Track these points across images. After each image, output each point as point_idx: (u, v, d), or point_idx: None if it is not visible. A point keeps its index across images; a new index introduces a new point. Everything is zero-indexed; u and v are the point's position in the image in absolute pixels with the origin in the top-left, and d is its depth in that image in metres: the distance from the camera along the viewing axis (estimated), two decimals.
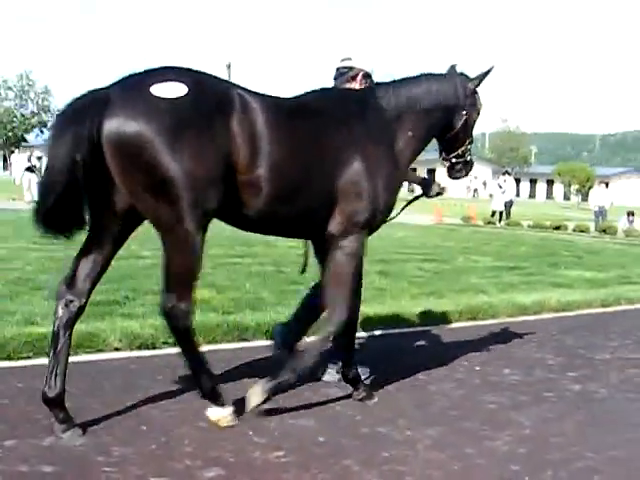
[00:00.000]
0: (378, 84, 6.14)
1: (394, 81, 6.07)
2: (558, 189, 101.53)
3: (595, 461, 5.12)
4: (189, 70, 5.06)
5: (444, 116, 6.13)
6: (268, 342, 7.69)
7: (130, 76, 4.95)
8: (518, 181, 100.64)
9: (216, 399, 5.31)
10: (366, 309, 9.05)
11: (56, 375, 4.94)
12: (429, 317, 9.33)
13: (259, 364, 6.96)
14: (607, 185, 43.62)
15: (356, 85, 6.47)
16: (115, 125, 4.61)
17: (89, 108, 4.70)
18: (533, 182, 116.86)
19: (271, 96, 5.45)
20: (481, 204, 49.21)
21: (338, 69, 6.58)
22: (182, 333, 5.09)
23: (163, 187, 4.68)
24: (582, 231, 32.24)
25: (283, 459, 4.79)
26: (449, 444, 5.25)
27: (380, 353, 7.84)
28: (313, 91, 5.94)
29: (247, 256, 14.30)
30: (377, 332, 8.77)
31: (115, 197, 4.88)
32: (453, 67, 6.29)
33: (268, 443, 5.04)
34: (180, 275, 4.95)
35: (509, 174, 39.07)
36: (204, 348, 7.51)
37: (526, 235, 28.11)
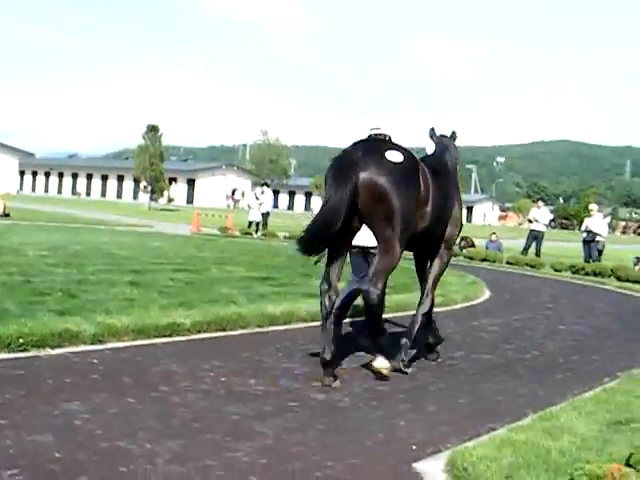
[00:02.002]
0: (445, 149, 9.54)
1: (446, 146, 9.57)
2: (316, 201, 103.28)
3: (335, 470, 5.21)
4: (399, 145, 8.08)
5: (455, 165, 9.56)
6: (11, 355, 7.60)
7: (368, 141, 8.38)
8: (277, 193, 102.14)
9: (383, 352, 8.08)
10: (113, 320, 8.89)
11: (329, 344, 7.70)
12: (177, 328, 9.24)
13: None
14: None
15: None
16: (367, 176, 7.56)
17: (351, 165, 7.61)
18: (292, 194, 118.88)
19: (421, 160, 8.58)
20: (241, 215, 49.54)
21: (369, 136, 8.95)
22: (374, 305, 7.76)
23: (389, 216, 7.59)
24: None
25: (17, 477, 4.59)
26: (190, 457, 5.20)
27: (124, 365, 7.70)
28: (432, 154, 9.44)
29: None
30: (122, 344, 8.60)
31: (354, 222, 7.74)
32: (432, 129, 9.75)
33: (2, 461, 4.82)
34: (382, 271, 7.72)
35: (267, 186, 39.49)
36: None
37: (282, 246, 28.49)
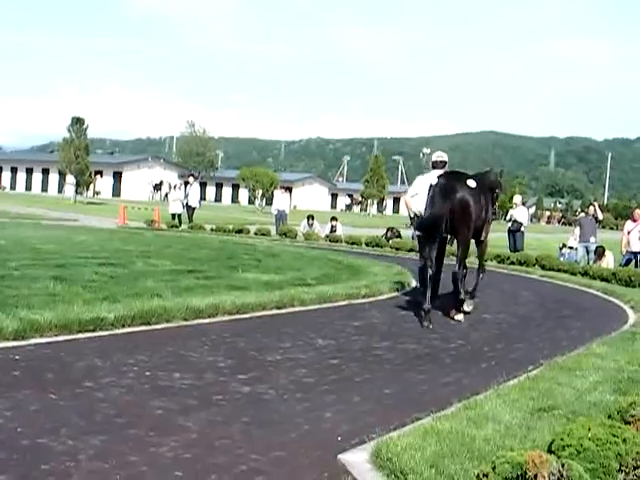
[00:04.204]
0: (487, 172, 14.21)
1: (488, 171, 14.39)
2: (243, 193, 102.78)
3: (259, 462, 5.20)
4: (471, 175, 12.81)
5: (494, 188, 13.68)
6: None
7: (453, 174, 13.04)
8: (204, 185, 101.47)
9: (461, 306, 12.83)
10: (36, 316, 8.76)
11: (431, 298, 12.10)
12: (100, 322, 9.13)
13: None
14: (290, 190, 44.94)
15: (445, 168, 13.57)
16: (459, 197, 12.07)
17: (450, 188, 12.13)
18: (219, 186, 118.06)
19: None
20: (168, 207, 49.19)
21: (436, 161, 13.66)
22: (457, 278, 12.74)
23: (470, 223, 12.27)
24: (263, 234, 32.78)
25: None
26: (113, 453, 5.14)
27: (47, 360, 7.61)
28: (484, 172, 14.13)
29: None
30: (44, 339, 8.47)
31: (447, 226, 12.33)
32: (492, 169, 14.68)
33: None
34: (463, 258, 12.64)
35: (195, 178, 39.31)
36: None
37: (208, 239, 28.36)
